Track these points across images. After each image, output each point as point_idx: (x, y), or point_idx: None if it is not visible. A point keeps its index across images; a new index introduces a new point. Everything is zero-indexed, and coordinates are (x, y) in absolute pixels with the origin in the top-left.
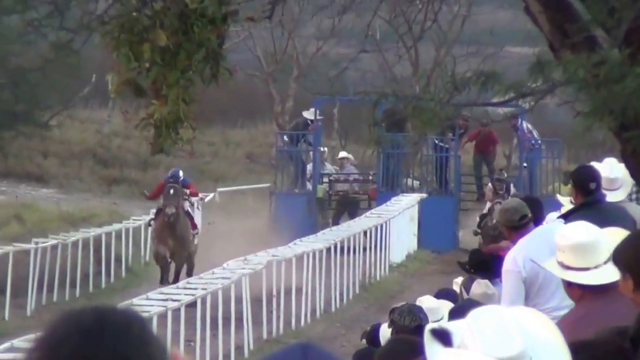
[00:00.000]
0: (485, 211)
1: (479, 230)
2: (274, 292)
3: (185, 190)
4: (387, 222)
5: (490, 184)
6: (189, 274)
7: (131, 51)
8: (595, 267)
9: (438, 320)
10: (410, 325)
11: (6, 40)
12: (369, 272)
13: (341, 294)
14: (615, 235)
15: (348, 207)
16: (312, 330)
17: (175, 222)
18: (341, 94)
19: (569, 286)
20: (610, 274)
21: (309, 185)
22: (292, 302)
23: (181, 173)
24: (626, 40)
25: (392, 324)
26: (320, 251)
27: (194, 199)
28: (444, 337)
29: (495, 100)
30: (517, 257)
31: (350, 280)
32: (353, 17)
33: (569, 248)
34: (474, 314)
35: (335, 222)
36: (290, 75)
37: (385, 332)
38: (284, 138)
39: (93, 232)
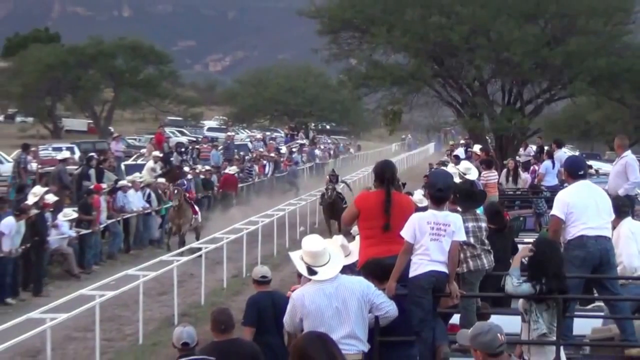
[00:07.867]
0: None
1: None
2: None
3: (186, 193)
4: None
5: (327, 176)
6: (197, 238)
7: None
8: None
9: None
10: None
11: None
12: None
13: None
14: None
15: None
16: None
17: (180, 207)
18: None
19: None
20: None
21: None
22: None
23: (186, 183)
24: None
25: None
26: None
27: None
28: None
29: None
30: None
31: None
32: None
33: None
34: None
35: None
36: None
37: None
38: None
39: None
